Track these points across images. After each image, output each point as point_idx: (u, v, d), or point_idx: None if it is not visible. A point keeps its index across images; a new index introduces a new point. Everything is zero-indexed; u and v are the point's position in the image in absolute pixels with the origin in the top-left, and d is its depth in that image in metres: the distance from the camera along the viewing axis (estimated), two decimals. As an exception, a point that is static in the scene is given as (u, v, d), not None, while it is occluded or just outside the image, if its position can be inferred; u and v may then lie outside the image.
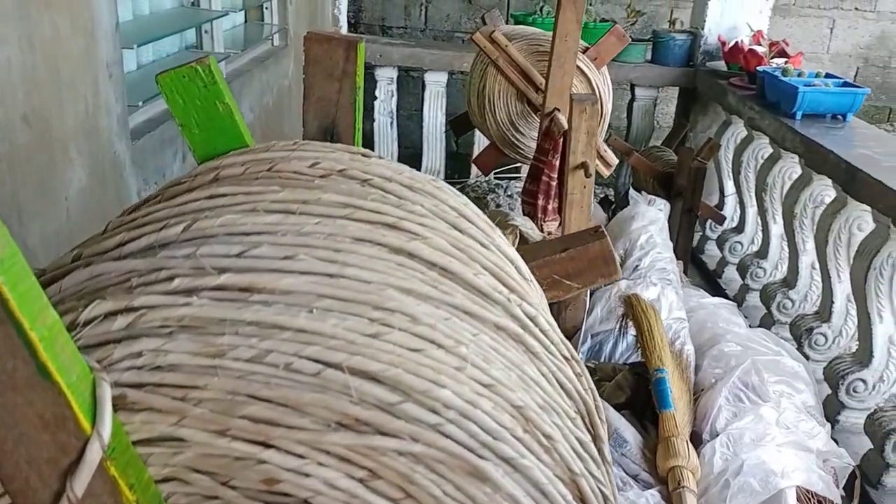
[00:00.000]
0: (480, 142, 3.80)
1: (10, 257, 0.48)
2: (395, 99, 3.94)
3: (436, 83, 3.93)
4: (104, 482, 0.55)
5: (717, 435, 1.60)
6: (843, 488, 1.62)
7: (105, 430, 0.53)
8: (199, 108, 0.85)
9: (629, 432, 1.61)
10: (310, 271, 0.63)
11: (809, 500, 1.49)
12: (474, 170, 3.76)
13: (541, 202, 2.31)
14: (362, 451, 0.59)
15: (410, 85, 4.78)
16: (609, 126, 3.02)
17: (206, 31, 2.28)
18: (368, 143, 3.28)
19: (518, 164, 3.35)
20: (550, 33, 2.44)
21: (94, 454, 0.53)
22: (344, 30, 3.88)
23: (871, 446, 2.19)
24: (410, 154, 4.08)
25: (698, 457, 1.54)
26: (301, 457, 0.59)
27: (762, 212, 3.19)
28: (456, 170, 4.11)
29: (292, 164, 0.76)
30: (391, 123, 3.95)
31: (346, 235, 0.67)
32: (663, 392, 1.63)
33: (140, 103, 1.87)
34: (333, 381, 0.59)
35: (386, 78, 3.89)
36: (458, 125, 3.10)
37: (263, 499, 0.59)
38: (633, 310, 1.84)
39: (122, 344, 0.60)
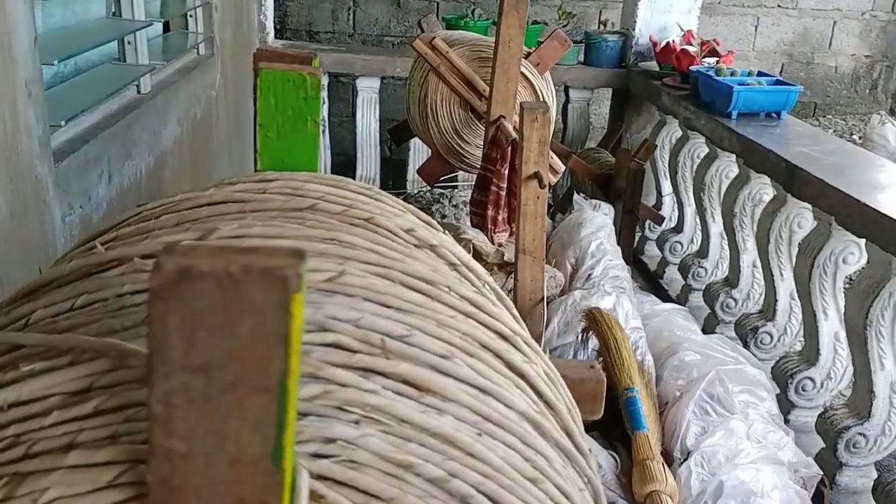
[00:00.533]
0: (417, 148, 3.72)
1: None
2: (326, 106, 3.82)
3: (368, 89, 3.83)
4: None
5: (689, 453, 1.57)
6: (812, 498, 1.62)
7: None
8: (289, 116, 0.81)
9: (602, 456, 1.56)
10: (465, 380, 0.57)
11: (788, 517, 1.47)
12: (411, 176, 3.68)
13: (490, 213, 2.25)
14: None
15: (341, 91, 4.66)
16: (549, 130, 2.99)
17: (128, 43, 2.12)
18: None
19: (457, 173, 3.29)
20: (492, 39, 2.38)
21: None
22: (271, 36, 3.73)
23: (823, 445, 2.21)
24: (343, 162, 3.97)
25: (673, 478, 1.50)
26: None
27: (701, 211, 3.22)
28: (391, 177, 4.02)
29: (393, 220, 0.68)
30: (323, 131, 3.82)
31: (474, 339, 0.61)
32: (635, 412, 1.59)
33: (63, 122, 1.72)
34: None
35: (315, 84, 3.75)
36: (398, 133, 3.02)
37: None
38: (597, 325, 1.79)
39: (314, 421, 0.51)
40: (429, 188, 3.30)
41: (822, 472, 1.69)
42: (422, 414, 0.54)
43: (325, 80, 3.78)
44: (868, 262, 2.22)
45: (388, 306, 0.59)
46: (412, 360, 0.56)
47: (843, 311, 2.31)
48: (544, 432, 0.62)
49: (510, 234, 2.28)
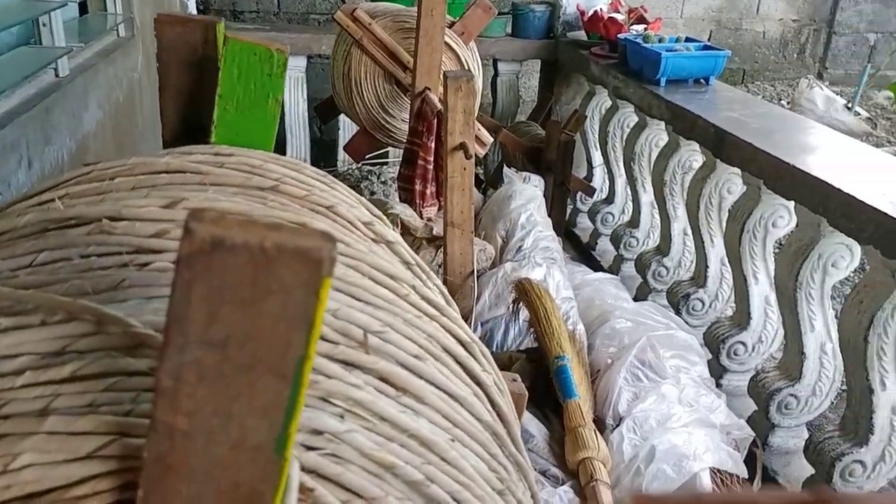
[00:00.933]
0: (346, 127, 3.63)
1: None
2: (250, 85, 3.69)
3: (295, 68, 3.71)
4: None
5: (621, 419, 1.54)
6: (745, 459, 1.61)
7: None
8: (251, 91, 0.79)
9: (533, 425, 1.53)
10: (437, 384, 0.57)
11: (722, 479, 1.46)
12: (341, 156, 3.59)
13: (418, 187, 2.19)
14: None
15: (266, 69, 4.51)
16: (477, 103, 2.93)
17: (44, 24, 1.99)
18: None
19: (388, 150, 3.21)
20: (414, 9, 2.30)
21: None
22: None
23: (756, 408, 2.23)
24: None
25: (606, 444, 1.47)
26: None
27: (632, 181, 3.21)
28: (322, 157, 3.92)
29: (352, 211, 0.67)
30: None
31: (438, 342, 0.61)
32: (566, 380, 1.55)
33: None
34: None
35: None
36: (324, 110, 2.92)
37: None
38: (526, 295, 1.75)
39: (303, 412, 0.49)
40: (357, 165, 3.22)
41: (754, 434, 1.69)
42: (401, 414, 0.53)
43: (248, 59, 3.66)
44: (797, 224, 2.23)
45: (359, 300, 0.57)
46: (389, 358, 0.55)
47: (773, 274, 2.33)
48: (503, 444, 0.63)
49: (439, 209, 2.23)
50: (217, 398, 0.39)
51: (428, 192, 2.16)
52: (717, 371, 2.45)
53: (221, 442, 0.40)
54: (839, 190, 1.89)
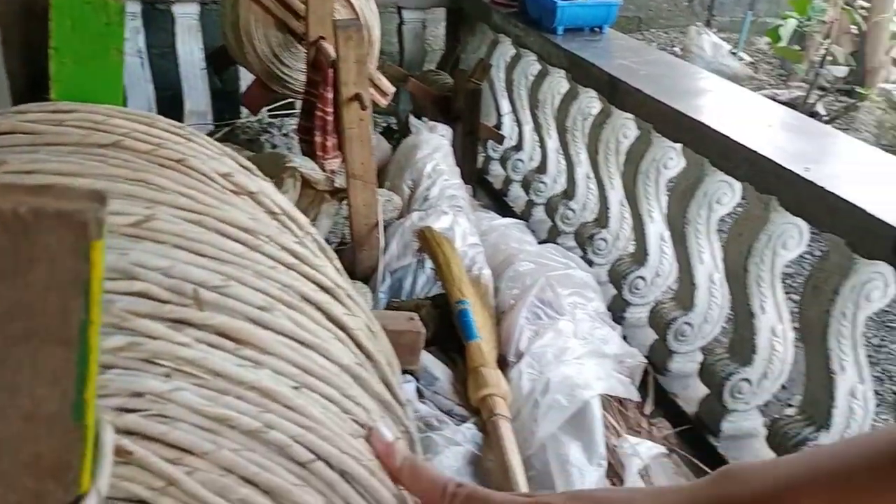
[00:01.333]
0: (247, 77, 3.55)
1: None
2: (142, 36, 3.55)
3: (186, 16, 3.59)
4: None
5: (522, 356, 1.62)
6: (640, 383, 1.73)
7: (103, 489, 0.43)
8: (88, 43, 0.75)
9: (438, 368, 1.60)
10: (285, 333, 0.58)
11: (612, 403, 1.56)
12: (245, 109, 3.52)
13: (318, 139, 2.19)
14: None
15: (159, 19, 4.32)
16: (381, 52, 2.92)
17: None
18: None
19: (293, 101, 3.18)
20: (306, -45, 2.26)
21: None
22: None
23: (657, 337, 2.37)
24: (170, 97, 3.72)
25: (507, 381, 1.55)
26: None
27: (538, 128, 3.28)
28: (224, 110, 3.82)
29: (208, 163, 0.65)
30: (142, 64, 3.58)
31: (295, 291, 0.62)
32: (467, 323, 1.62)
33: None
34: (319, 475, 0.55)
35: (128, 13, 3.48)
36: (218, 60, 2.85)
37: None
38: (427, 243, 1.81)
39: (120, 374, 0.50)
40: (256, 119, 3.18)
41: (646, 361, 1.81)
42: (238, 367, 0.54)
43: (137, 8, 3.51)
44: (686, 165, 2.35)
45: (201, 255, 0.57)
46: (228, 312, 0.55)
47: (666, 212, 2.45)
48: (364, 384, 0.64)
49: (342, 161, 2.24)
50: None
51: (329, 143, 2.16)
52: (621, 305, 2.58)
53: (13, 416, 0.39)
54: (717, 132, 2.00)
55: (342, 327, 0.64)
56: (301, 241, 0.69)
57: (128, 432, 0.48)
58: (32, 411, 0.39)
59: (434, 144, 2.58)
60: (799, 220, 1.92)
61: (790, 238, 1.98)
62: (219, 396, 0.52)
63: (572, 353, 1.57)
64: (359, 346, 0.65)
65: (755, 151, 1.85)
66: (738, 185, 2.16)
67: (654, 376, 2.06)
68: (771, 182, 1.85)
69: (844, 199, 1.62)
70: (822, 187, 1.69)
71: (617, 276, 2.58)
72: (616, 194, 2.76)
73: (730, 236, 2.05)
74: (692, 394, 2.27)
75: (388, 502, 0.60)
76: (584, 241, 2.83)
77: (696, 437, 2.10)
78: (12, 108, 0.69)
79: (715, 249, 2.26)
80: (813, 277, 1.82)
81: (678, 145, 2.34)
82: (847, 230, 1.64)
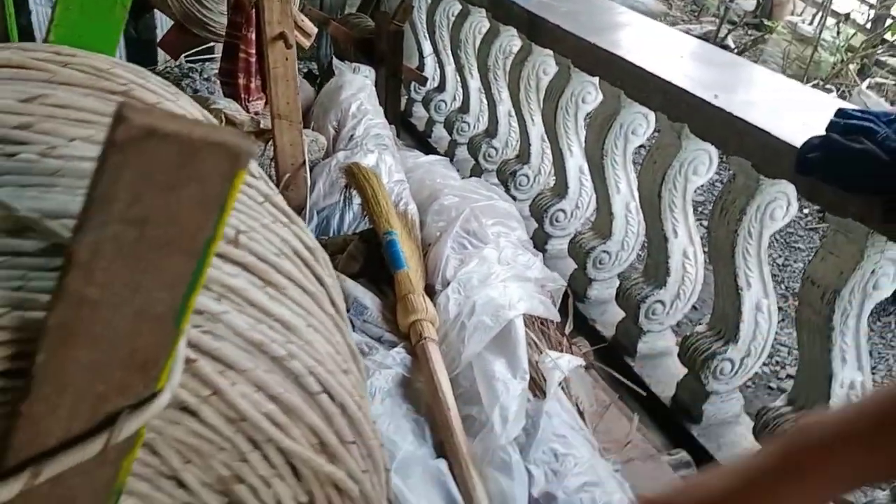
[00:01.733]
0: (163, 24, 3.46)
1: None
2: (51, -18, 3.41)
3: (99, -40, 3.45)
4: (134, 439, 0.50)
5: (448, 283, 1.69)
6: (560, 307, 1.82)
7: (172, 389, 0.49)
8: None
9: (368, 298, 1.65)
10: (291, 277, 0.65)
11: (534, 323, 1.65)
12: (161, 55, 3.43)
13: (242, 81, 2.19)
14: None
15: (68, -35, 4.15)
16: (301, -4, 2.90)
17: None
18: (28, 37, 2.83)
19: (212, 45, 3.12)
20: None
21: (153, 410, 0.48)
22: None
23: (576, 266, 2.48)
24: (84, 46, 3.60)
25: (435, 307, 1.62)
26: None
27: (460, 68, 3.32)
28: (141, 58, 3.72)
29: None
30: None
31: (291, 246, 0.69)
32: (395, 253, 1.68)
33: None
34: (322, 406, 0.63)
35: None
36: (135, 7, 2.77)
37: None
38: (354, 178, 1.84)
39: None
40: (176, 64, 3.11)
41: (566, 284, 1.90)
42: (269, 301, 0.61)
43: (44, -47, 3.36)
44: (602, 98, 2.43)
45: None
46: (254, 254, 0.62)
47: (584, 146, 2.54)
48: (343, 334, 0.73)
49: (266, 103, 2.24)
50: (129, 271, 0.43)
51: (252, 85, 2.16)
52: (542, 238, 2.68)
53: (127, 312, 0.44)
54: (632, 64, 2.08)
55: (322, 283, 0.71)
56: (283, 203, 0.75)
57: (191, 344, 0.54)
58: (144, 310, 0.45)
59: (358, 85, 2.59)
60: (709, 146, 2.03)
61: (700, 164, 2.10)
62: (255, 323, 0.59)
63: (497, 277, 1.64)
64: (332, 302, 0.72)
65: (668, 81, 1.94)
66: (652, 116, 2.26)
67: (573, 301, 2.17)
68: (682, 110, 1.95)
69: (751, 123, 1.73)
70: (730, 112, 1.79)
71: (538, 210, 2.67)
72: (537, 130, 2.84)
73: (644, 165, 2.15)
74: (610, 318, 2.40)
75: (368, 436, 0.69)
76: (507, 177, 2.91)
77: (614, 357, 2.24)
78: (14, 43, 0.70)
79: (631, 179, 2.37)
80: (721, 199, 1.94)
81: (595, 79, 2.42)
82: (752, 151, 1.75)
